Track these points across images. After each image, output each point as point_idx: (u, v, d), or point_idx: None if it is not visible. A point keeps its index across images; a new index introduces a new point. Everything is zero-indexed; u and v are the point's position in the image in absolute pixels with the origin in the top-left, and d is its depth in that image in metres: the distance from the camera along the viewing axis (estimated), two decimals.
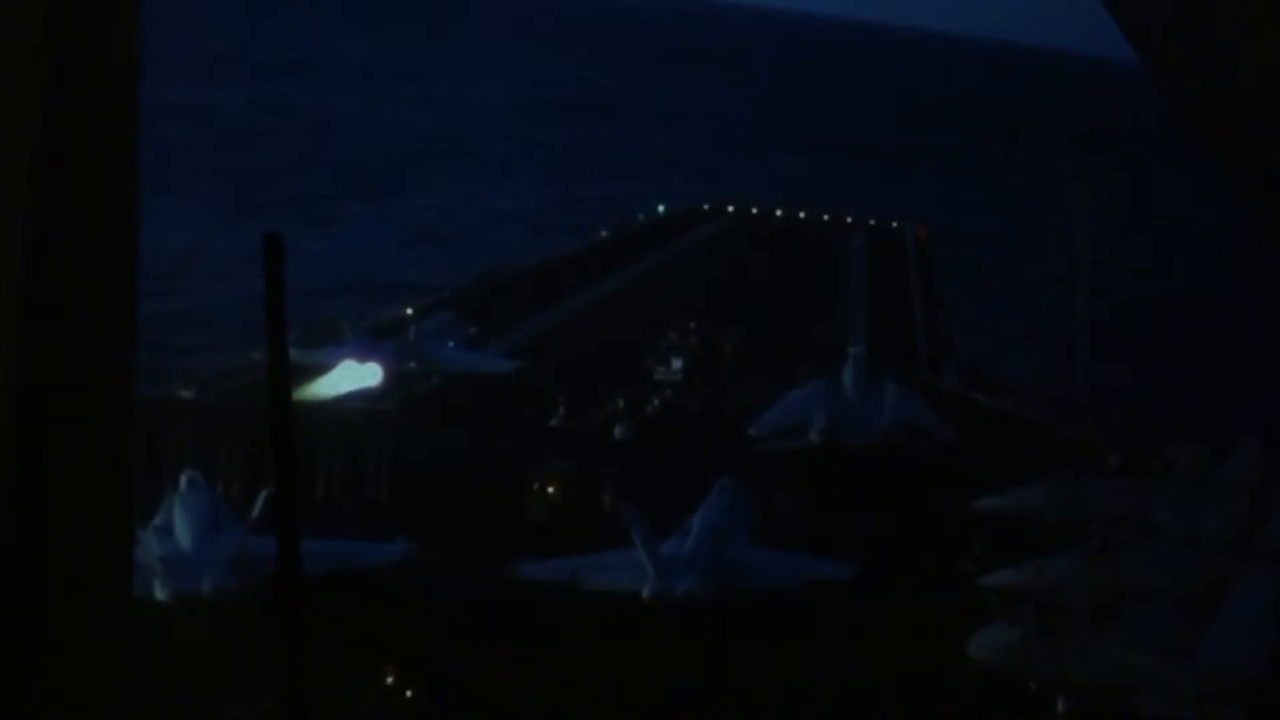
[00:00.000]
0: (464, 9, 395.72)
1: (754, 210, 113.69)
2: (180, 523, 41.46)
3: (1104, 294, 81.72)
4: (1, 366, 4.31)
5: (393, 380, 60.14)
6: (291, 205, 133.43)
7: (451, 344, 66.11)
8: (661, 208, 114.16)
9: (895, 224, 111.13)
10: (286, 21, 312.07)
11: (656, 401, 61.11)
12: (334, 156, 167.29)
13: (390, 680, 27.53)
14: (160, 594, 37.98)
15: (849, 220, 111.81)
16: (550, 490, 48.08)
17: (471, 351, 66.41)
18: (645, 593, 40.10)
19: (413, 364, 62.06)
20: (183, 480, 42.87)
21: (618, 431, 56.72)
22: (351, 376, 58.97)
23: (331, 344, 60.29)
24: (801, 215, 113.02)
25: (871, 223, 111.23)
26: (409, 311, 71.10)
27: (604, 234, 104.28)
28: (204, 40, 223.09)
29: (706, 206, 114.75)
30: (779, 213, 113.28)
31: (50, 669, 4.40)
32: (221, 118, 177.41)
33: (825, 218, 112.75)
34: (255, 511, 40.35)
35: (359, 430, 50.96)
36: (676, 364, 65.41)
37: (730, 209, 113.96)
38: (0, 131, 4.30)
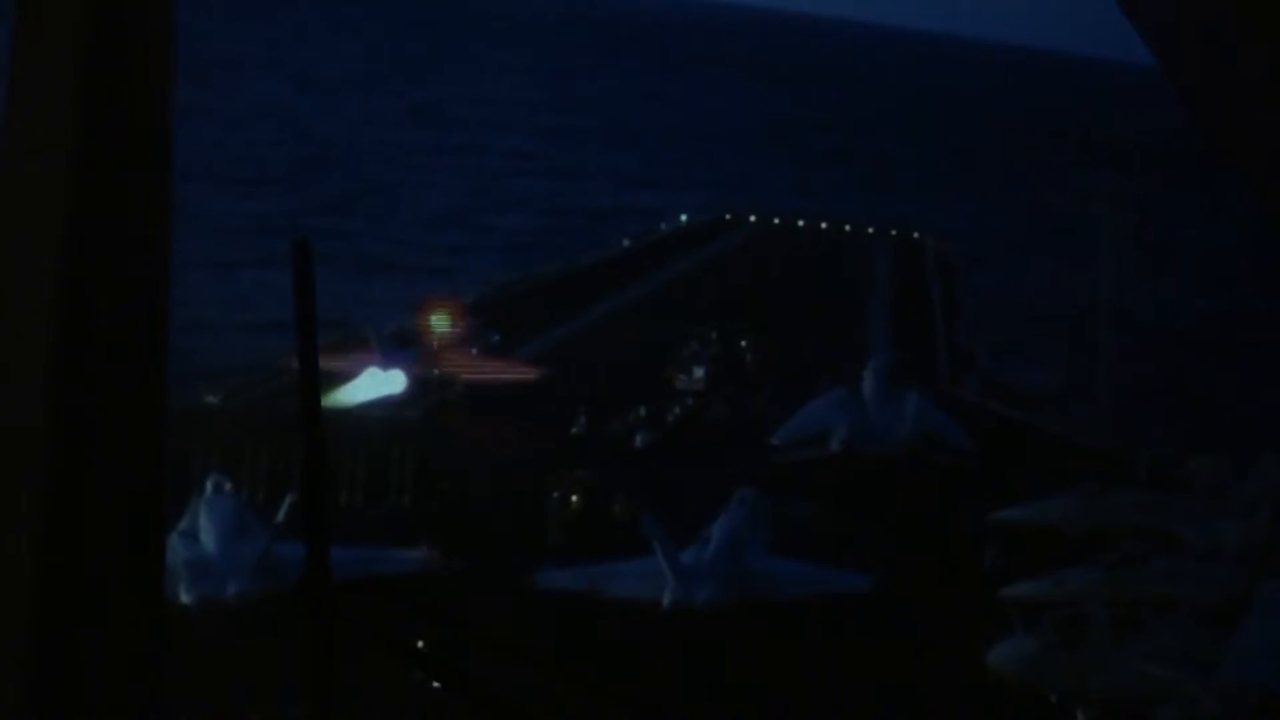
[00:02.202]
0: (466, 12, 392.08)
1: (776, 220, 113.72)
2: (205, 528, 41.67)
3: (1127, 307, 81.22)
4: (35, 373, 4.35)
5: (417, 387, 60.33)
6: (263, 222, 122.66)
7: (475, 351, 66.28)
8: (684, 217, 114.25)
9: (916, 235, 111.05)
10: (282, 25, 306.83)
11: (678, 410, 61.11)
12: (320, 168, 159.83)
13: (415, 685, 27.62)
14: (185, 598, 38.18)
15: (870, 231, 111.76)
16: (571, 498, 48.15)
17: (495, 359, 66.58)
18: (665, 601, 40.15)
19: (436, 371, 62.26)
20: (208, 485, 43.10)
21: (639, 440, 56.74)
22: (376, 383, 59.16)
23: (356, 350, 60.51)
24: (823, 226, 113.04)
25: (892, 234, 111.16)
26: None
27: (626, 243, 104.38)
28: (195, 43, 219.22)
29: (729, 216, 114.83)
30: (801, 223, 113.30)
31: (84, 674, 4.45)
32: (199, 124, 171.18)
33: (847, 228, 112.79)
34: (280, 517, 40.54)
35: (383, 437, 51.12)
36: (698, 373, 65.40)
37: (752, 219, 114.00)
38: (37, 132, 4.36)
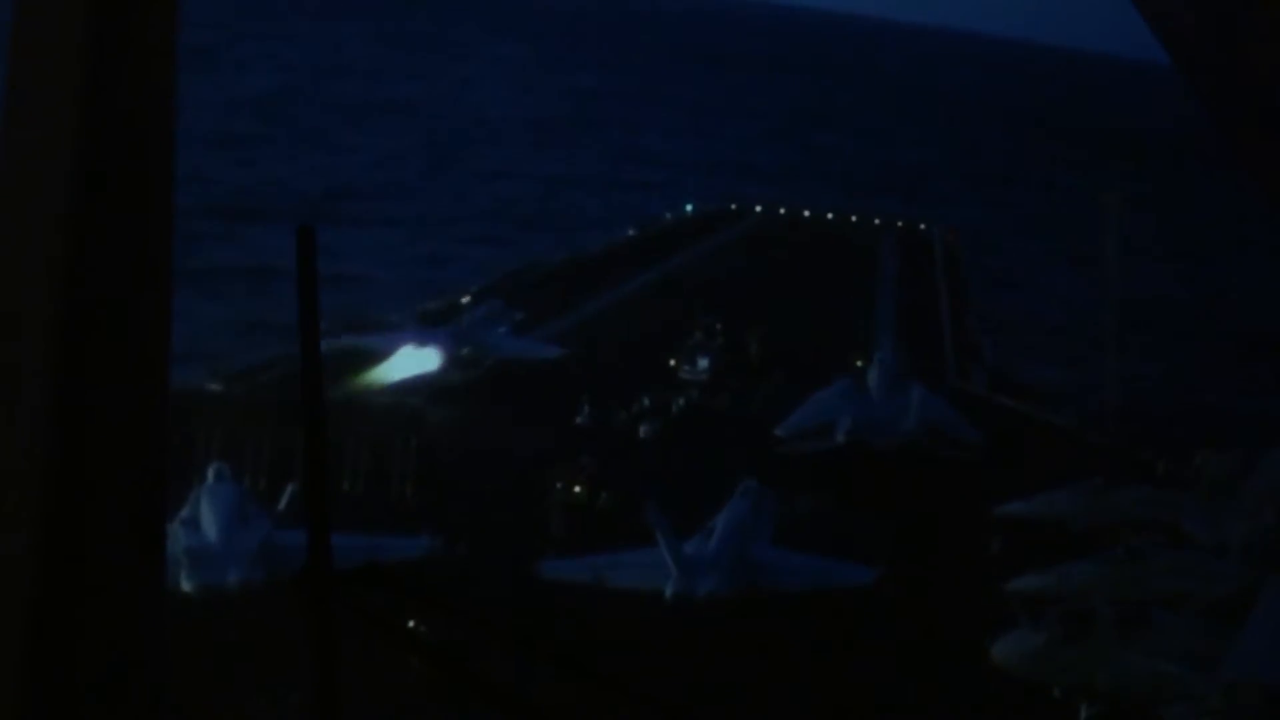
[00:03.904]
0: (465, 4, 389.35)
1: (782, 210, 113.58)
2: (206, 515, 41.65)
3: (1134, 301, 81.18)
4: (36, 368, 4.35)
5: (448, 365, 60.77)
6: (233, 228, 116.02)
7: (503, 330, 66.60)
8: (689, 207, 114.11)
9: (923, 226, 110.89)
10: (272, 12, 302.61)
11: (682, 401, 61.09)
12: (298, 164, 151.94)
13: (416, 673, 27.58)
14: (186, 586, 38.13)
15: (877, 222, 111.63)
16: (575, 488, 48.11)
17: (520, 338, 66.96)
18: (667, 592, 40.12)
19: (466, 349, 62.48)
20: (210, 473, 43.08)
21: (643, 430, 56.72)
22: (411, 362, 59.52)
23: (389, 330, 60.91)
24: (829, 216, 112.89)
25: (899, 224, 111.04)
26: (464, 300, 72.00)
27: (631, 233, 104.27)
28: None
29: (734, 206, 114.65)
30: (807, 213, 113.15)
31: (85, 662, 4.42)
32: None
33: (853, 219, 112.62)
34: (281, 505, 40.51)
35: (385, 425, 51.10)
36: (702, 363, 65.38)
37: (758, 209, 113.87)
38: (37, 132, 4.36)
